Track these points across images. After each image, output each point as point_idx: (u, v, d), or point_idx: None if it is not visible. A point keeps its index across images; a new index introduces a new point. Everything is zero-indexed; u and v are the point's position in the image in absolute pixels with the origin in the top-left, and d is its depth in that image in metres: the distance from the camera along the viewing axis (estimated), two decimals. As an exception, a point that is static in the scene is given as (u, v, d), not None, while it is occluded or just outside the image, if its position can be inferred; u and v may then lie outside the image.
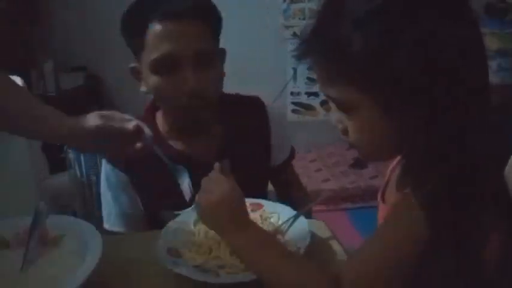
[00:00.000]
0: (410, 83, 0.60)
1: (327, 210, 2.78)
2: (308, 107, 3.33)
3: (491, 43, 2.62)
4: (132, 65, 1.08)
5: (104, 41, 2.91)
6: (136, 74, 1.09)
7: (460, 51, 0.61)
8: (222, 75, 1.09)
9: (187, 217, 0.95)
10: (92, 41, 2.95)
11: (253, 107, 1.20)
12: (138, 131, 0.91)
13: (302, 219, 0.94)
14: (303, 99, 3.33)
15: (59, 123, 0.91)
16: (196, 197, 0.83)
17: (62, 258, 0.86)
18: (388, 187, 0.84)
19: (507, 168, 0.68)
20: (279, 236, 0.92)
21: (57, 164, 2.03)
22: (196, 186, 0.99)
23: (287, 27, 3.16)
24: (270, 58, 3.12)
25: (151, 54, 1.00)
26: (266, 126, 1.19)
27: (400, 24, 0.60)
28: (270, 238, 0.83)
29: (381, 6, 0.61)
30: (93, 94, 3.01)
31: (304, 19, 3.16)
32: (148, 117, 1.15)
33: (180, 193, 0.95)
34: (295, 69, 3.26)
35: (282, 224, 0.94)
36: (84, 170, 1.38)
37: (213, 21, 1.05)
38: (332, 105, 0.71)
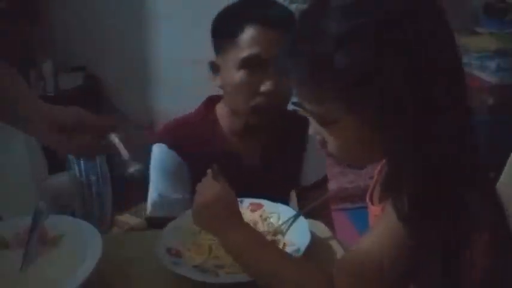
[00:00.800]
0: (394, 98, 0.60)
1: (326, 210, 2.79)
2: (308, 107, 3.33)
3: (490, 43, 2.62)
4: (213, 60, 1.15)
5: (104, 41, 2.91)
6: (214, 68, 1.15)
7: (441, 52, 0.62)
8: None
9: (188, 217, 0.96)
10: (92, 41, 2.95)
11: (297, 121, 1.19)
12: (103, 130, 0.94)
13: (302, 220, 0.94)
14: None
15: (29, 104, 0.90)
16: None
17: (61, 258, 0.86)
18: (376, 189, 0.84)
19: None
20: (279, 236, 0.92)
21: (57, 164, 2.03)
22: (238, 183, 1.04)
23: (287, 27, 3.17)
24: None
25: (243, 52, 1.07)
26: (304, 143, 1.26)
27: (381, 42, 0.59)
28: (266, 239, 0.83)
29: (360, 25, 0.61)
30: (93, 94, 3.00)
31: (303, 19, 3.17)
32: (208, 111, 1.22)
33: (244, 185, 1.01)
34: (294, 69, 3.26)
35: (282, 224, 0.94)
36: (83, 170, 1.38)
37: None
38: (310, 118, 0.71)
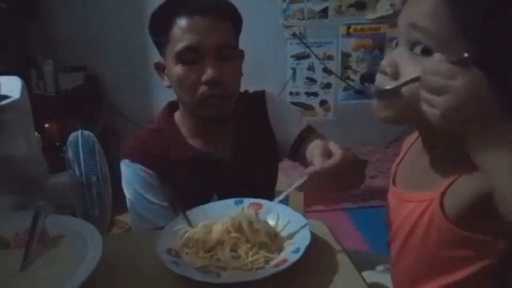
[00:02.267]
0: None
1: (326, 211, 2.79)
2: (307, 107, 3.33)
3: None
4: (157, 60, 1.16)
5: (104, 41, 2.91)
6: (159, 69, 1.16)
7: None
8: (240, 73, 1.16)
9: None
10: (92, 41, 2.95)
11: (255, 102, 1.25)
12: None
13: (302, 220, 0.94)
14: (302, 99, 3.33)
15: None
16: None
17: (61, 258, 0.86)
18: (401, 169, 0.82)
19: None
20: (279, 236, 0.92)
21: (57, 164, 2.03)
22: (213, 183, 1.02)
23: (287, 27, 3.16)
24: (270, 58, 3.12)
25: (177, 45, 1.07)
26: (266, 118, 1.23)
27: None
28: None
29: None
30: (93, 94, 3.01)
31: (303, 19, 3.17)
32: (166, 117, 1.21)
33: (207, 189, 1.04)
34: (294, 70, 3.26)
35: (280, 224, 0.94)
36: (83, 170, 1.38)
37: (234, 20, 1.14)
38: (388, 52, 0.69)
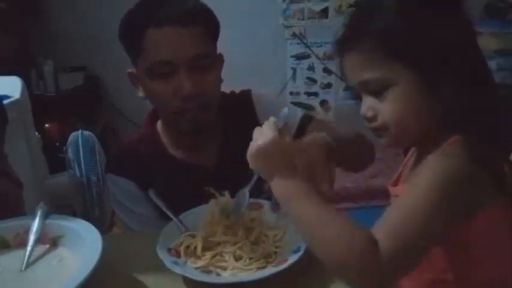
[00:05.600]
0: (447, 55, 0.70)
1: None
2: (308, 107, 3.33)
3: (491, 43, 2.61)
4: (129, 70, 1.09)
5: (104, 41, 2.90)
6: (133, 79, 1.10)
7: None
8: (220, 80, 1.10)
9: (188, 217, 0.96)
10: (92, 41, 2.95)
11: (241, 104, 1.18)
12: None
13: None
14: (303, 99, 3.32)
15: None
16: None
17: (61, 258, 0.86)
18: (405, 172, 0.86)
19: None
20: (279, 232, 0.92)
21: (57, 164, 2.03)
22: (197, 194, 1.00)
23: (287, 27, 3.16)
24: (270, 58, 3.12)
25: (148, 59, 1.01)
26: (255, 119, 1.14)
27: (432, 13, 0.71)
28: (315, 190, 0.78)
29: None
30: (93, 94, 3.00)
31: (303, 19, 3.16)
32: (149, 128, 1.16)
33: (192, 199, 0.99)
34: (294, 70, 3.26)
35: (281, 224, 0.94)
36: (83, 170, 1.38)
37: (210, 26, 1.06)
38: (364, 94, 0.77)
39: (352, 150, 1.04)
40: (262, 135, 0.77)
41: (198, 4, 1.06)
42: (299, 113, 1.20)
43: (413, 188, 0.70)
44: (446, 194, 0.67)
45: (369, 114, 0.76)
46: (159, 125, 1.16)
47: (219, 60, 1.11)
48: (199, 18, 1.03)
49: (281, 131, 0.78)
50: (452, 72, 0.70)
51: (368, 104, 0.76)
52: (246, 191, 0.90)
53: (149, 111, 1.18)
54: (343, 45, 0.79)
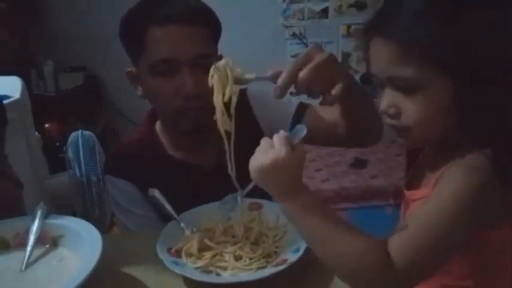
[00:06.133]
0: (485, 64, 0.64)
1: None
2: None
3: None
4: (129, 69, 1.09)
5: (104, 41, 2.90)
6: (132, 78, 1.09)
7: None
8: None
9: (188, 217, 0.96)
10: (92, 41, 2.95)
11: (238, 104, 1.14)
12: None
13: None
14: (302, 99, 3.32)
15: None
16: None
17: (61, 258, 0.86)
18: (413, 173, 0.83)
19: None
20: (279, 232, 0.92)
21: (57, 164, 2.03)
22: (197, 194, 0.99)
23: (287, 27, 3.16)
24: (270, 58, 3.12)
25: (151, 57, 1.00)
26: (253, 117, 1.16)
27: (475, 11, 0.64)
28: (326, 206, 0.75)
29: None
30: (93, 94, 3.01)
31: (303, 19, 3.17)
32: (148, 128, 1.16)
33: (192, 200, 0.98)
34: (294, 69, 3.26)
35: (281, 224, 0.94)
36: (83, 170, 1.38)
37: (212, 26, 1.05)
38: (388, 88, 0.71)
39: (357, 122, 1.00)
40: (272, 151, 0.70)
41: (200, 4, 1.06)
42: (294, 101, 1.18)
43: (434, 199, 0.67)
44: (468, 209, 0.65)
45: (391, 111, 0.71)
46: (157, 125, 1.16)
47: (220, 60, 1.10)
48: (202, 18, 1.03)
49: (294, 148, 0.71)
50: (495, 90, 0.64)
51: (391, 99, 0.71)
52: (238, 195, 0.88)
53: (148, 111, 1.18)
54: (374, 27, 0.72)
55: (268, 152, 0.70)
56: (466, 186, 0.65)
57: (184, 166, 1.10)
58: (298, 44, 3.21)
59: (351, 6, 3.17)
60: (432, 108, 0.68)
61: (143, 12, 1.02)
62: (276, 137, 0.72)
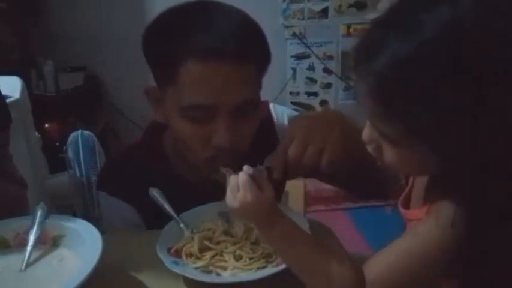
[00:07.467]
0: (456, 125, 0.59)
1: (327, 210, 2.79)
2: (307, 107, 3.33)
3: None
4: (149, 86, 0.93)
5: (104, 41, 2.91)
6: (152, 97, 0.93)
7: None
8: (257, 125, 0.93)
9: (188, 219, 0.96)
10: (92, 41, 2.95)
11: (262, 131, 0.98)
12: None
13: (302, 220, 0.93)
14: (303, 99, 3.32)
15: None
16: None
17: (62, 258, 0.86)
18: (413, 193, 0.82)
19: None
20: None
21: (57, 164, 2.03)
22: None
23: (287, 27, 3.16)
24: (270, 58, 3.12)
25: (183, 97, 0.83)
26: (273, 128, 1.07)
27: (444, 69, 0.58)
28: (303, 233, 0.76)
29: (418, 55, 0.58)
30: (93, 94, 3.01)
31: (303, 19, 3.17)
32: (152, 140, 1.02)
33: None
34: (294, 70, 3.26)
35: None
36: (83, 170, 1.37)
37: (261, 61, 0.90)
38: (369, 125, 0.69)
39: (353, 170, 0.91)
40: (239, 195, 0.70)
41: (255, 33, 0.89)
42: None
43: (415, 231, 0.69)
44: (435, 262, 0.66)
45: (372, 146, 0.70)
46: (167, 138, 1.00)
47: (262, 105, 0.96)
48: (254, 53, 0.86)
49: (262, 188, 0.70)
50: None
51: (372, 135, 0.69)
52: None
53: (152, 121, 1.03)
54: (355, 67, 0.66)
55: (236, 196, 0.71)
56: (439, 241, 0.64)
57: (197, 189, 0.99)
58: (298, 44, 3.21)
59: (351, 6, 3.17)
60: (413, 160, 0.66)
61: (180, 36, 0.84)
62: (240, 180, 0.70)
